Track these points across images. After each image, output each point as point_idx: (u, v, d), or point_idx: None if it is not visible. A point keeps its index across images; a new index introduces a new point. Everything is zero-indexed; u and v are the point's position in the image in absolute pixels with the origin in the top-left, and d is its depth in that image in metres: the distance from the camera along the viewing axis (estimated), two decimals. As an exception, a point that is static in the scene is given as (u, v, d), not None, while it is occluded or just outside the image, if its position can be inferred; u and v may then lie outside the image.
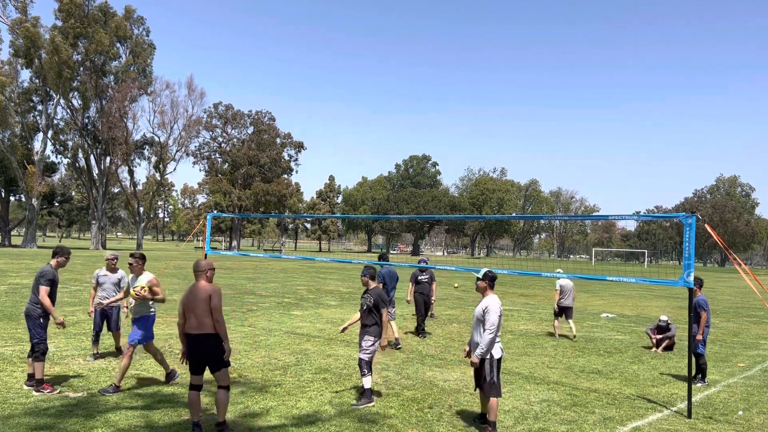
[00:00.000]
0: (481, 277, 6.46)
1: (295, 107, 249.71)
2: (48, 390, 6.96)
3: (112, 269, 9.15)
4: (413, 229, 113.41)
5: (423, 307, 12.73)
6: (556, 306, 13.33)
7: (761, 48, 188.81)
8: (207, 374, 8.19)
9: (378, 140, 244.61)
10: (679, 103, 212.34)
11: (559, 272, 13.96)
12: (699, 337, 8.99)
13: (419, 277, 12.96)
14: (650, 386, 8.76)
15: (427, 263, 14.48)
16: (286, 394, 7.37)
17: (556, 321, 13.39)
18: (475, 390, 6.51)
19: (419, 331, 12.62)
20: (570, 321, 13.28)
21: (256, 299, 18.13)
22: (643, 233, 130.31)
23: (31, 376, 7.30)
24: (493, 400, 6.18)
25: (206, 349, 5.72)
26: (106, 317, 9.06)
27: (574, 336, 13.22)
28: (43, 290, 7.12)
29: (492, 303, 6.25)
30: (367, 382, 7.04)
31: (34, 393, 6.96)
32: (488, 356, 6.19)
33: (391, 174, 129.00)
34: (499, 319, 6.19)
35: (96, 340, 9.03)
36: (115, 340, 9.28)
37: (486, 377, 6.19)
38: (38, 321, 7.14)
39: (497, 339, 6.32)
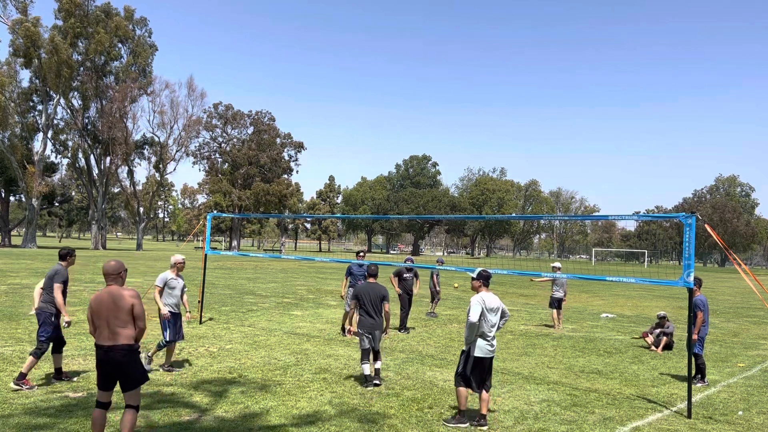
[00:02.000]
0: (475, 276, 6.71)
1: (295, 107, 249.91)
2: (27, 386, 7.01)
3: (179, 273, 8.73)
4: (413, 229, 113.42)
5: (407, 303, 13.38)
6: (539, 278, 14.57)
7: (762, 48, 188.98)
8: (204, 376, 8.18)
9: (378, 140, 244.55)
10: (679, 103, 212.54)
11: (555, 266, 14.15)
12: (694, 336, 8.99)
13: (404, 275, 13.58)
14: (650, 386, 8.76)
15: (439, 263, 14.73)
16: (286, 394, 7.37)
17: (553, 312, 14.36)
18: (474, 391, 6.51)
19: (402, 326, 13.07)
20: (559, 314, 14.24)
21: (256, 299, 18.13)
22: (643, 233, 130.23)
23: (58, 371, 7.50)
24: (460, 389, 6.47)
25: (119, 364, 5.07)
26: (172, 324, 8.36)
27: (558, 327, 14.13)
28: (58, 287, 7.28)
29: (474, 297, 6.52)
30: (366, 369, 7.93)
31: (12, 386, 7.01)
32: (467, 347, 6.49)
33: (391, 174, 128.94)
34: (481, 309, 6.37)
35: (164, 346, 8.33)
36: (170, 352, 8.48)
37: (459, 366, 6.54)
38: (49, 319, 7.30)
39: (487, 339, 6.42)
